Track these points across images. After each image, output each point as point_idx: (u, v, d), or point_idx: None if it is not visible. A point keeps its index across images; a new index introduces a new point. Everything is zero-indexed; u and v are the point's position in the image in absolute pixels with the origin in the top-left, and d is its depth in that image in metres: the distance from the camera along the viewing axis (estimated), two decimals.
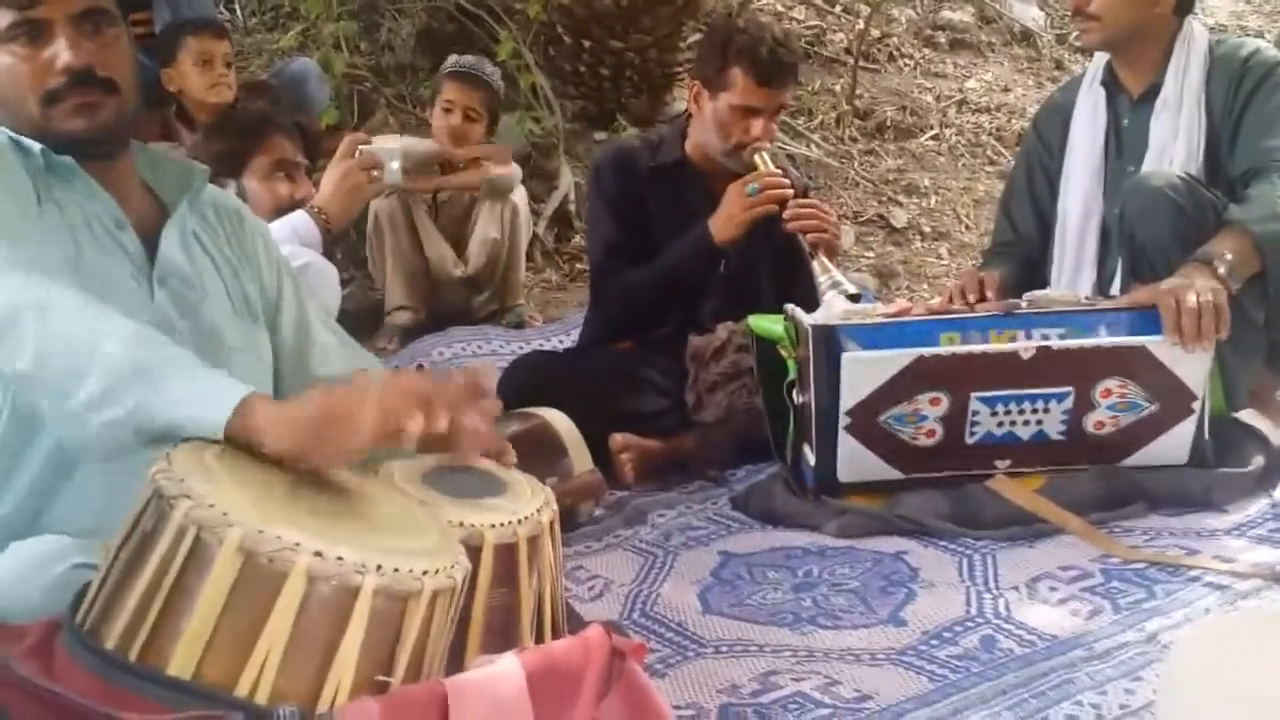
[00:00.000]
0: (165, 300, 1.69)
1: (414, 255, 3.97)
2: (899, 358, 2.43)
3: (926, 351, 2.44)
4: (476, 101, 4.02)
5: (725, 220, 2.97)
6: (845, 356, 2.43)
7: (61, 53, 1.63)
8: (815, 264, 2.84)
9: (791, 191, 2.97)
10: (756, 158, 3.00)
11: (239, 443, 1.35)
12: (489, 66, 4.13)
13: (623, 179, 3.16)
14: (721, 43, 3.05)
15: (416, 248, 3.98)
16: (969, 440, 2.49)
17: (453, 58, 4.20)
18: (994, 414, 2.47)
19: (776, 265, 3.13)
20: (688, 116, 3.19)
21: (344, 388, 1.38)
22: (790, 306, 2.63)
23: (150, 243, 1.71)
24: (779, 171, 3.03)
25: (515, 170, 4.10)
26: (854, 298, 2.78)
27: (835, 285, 2.77)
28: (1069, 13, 3.32)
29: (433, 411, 1.37)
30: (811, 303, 2.78)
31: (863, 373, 2.44)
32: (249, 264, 1.84)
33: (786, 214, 2.91)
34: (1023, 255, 3.05)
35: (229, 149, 2.78)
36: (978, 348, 2.45)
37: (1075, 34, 3.26)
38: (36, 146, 1.65)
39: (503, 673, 1.31)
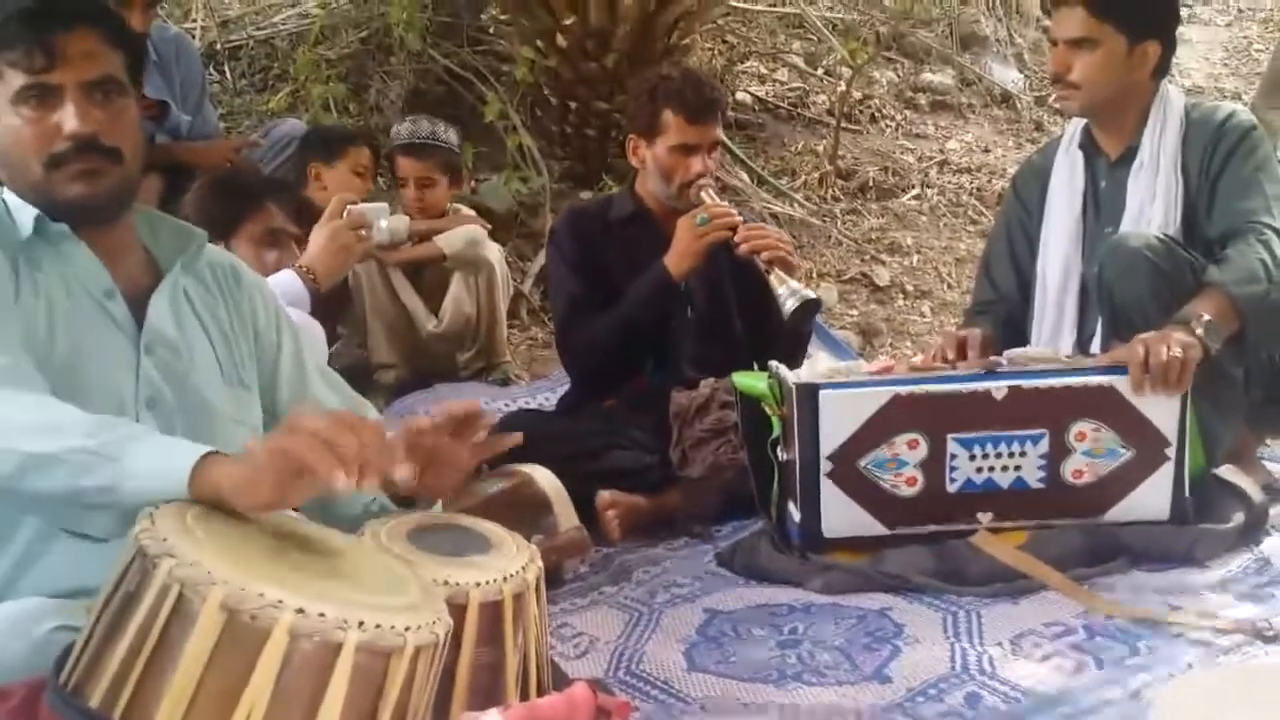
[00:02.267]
0: (151, 368, 1.70)
1: (393, 310, 4.01)
2: (876, 395, 2.48)
3: (902, 389, 2.48)
4: (426, 169, 4.07)
5: (679, 254, 3.03)
6: (823, 394, 2.47)
7: (68, 119, 1.66)
8: (772, 278, 2.89)
9: (740, 218, 3.05)
10: (704, 194, 3.08)
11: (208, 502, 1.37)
12: (428, 126, 4.14)
13: (580, 238, 3.24)
14: (649, 92, 3.17)
15: (395, 302, 4.01)
16: (949, 489, 2.51)
17: (397, 128, 4.25)
18: (972, 458, 2.50)
19: (745, 303, 3.19)
20: (635, 174, 3.28)
21: (281, 434, 1.39)
22: (774, 364, 2.66)
23: (142, 307, 1.72)
24: (725, 203, 3.11)
25: (471, 233, 4.09)
26: (814, 303, 2.87)
27: (794, 294, 2.84)
28: (1048, 79, 3.37)
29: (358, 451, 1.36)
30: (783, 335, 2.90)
31: (841, 411, 2.47)
32: (243, 326, 1.86)
33: (738, 237, 2.98)
34: (1004, 314, 3.08)
35: (223, 213, 2.79)
36: (952, 386, 2.49)
37: (1054, 98, 3.29)
38: (31, 213, 1.67)
39: None
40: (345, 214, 2.72)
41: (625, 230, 3.24)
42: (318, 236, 2.69)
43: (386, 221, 3.28)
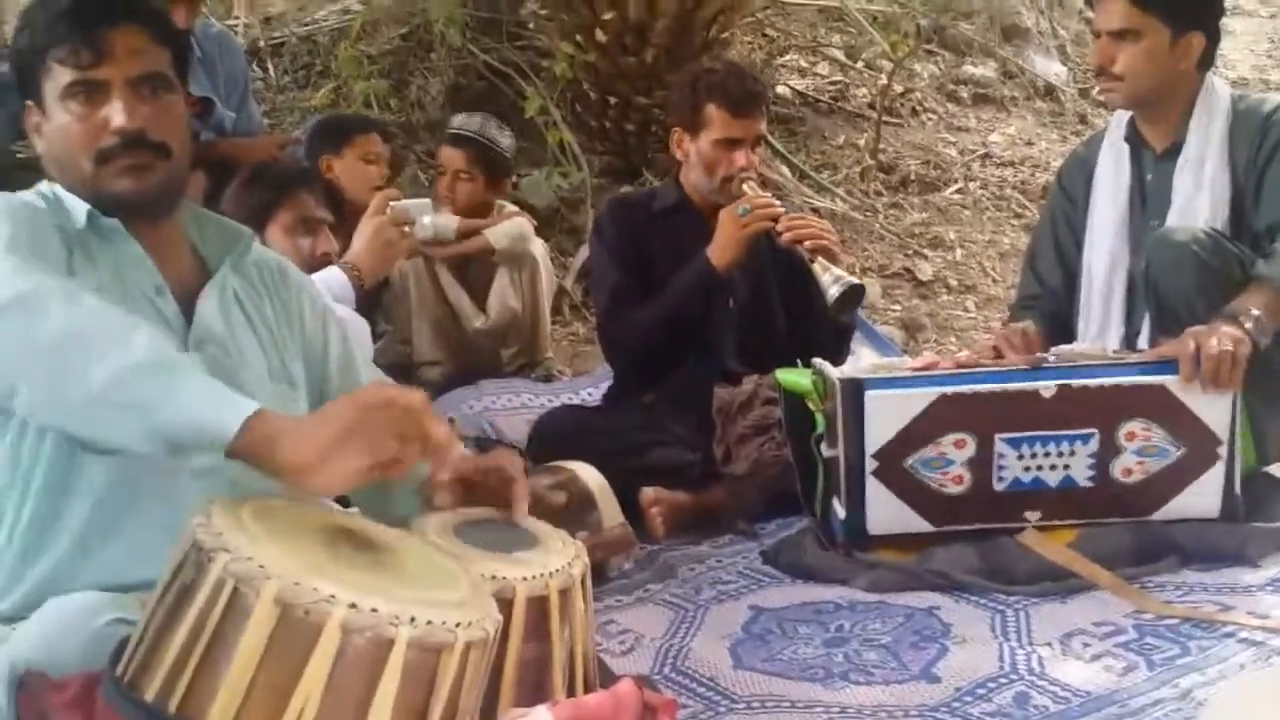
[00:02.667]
0: (199, 365, 1.71)
1: (439, 307, 4.02)
2: (922, 396, 2.46)
3: (949, 389, 2.46)
4: (464, 162, 4.06)
5: (722, 246, 3.03)
6: (869, 394, 2.45)
7: (116, 114, 1.66)
8: (816, 266, 2.89)
9: (782, 208, 3.04)
10: (746, 186, 3.08)
11: (245, 457, 1.37)
12: (479, 122, 4.14)
13: (624, 227, 3.24)
14: (692, 84, 3.16)
15: (441, 299, 4.03)
16: (997, 487, 2.48)
17: (453, 118, 4.26)
18: (1020, 457, 2.47)
19: (787, 294, 3.18)
20: (678, 166, 3.27)
21: (354, 405, 1.41)
22: (818, 360, 2.65)
23: (190, 305, 1.73)
24: (767, 194, 3.11)
25: (519, 228, 4.10)
26: (858, 289, 2.87)
27: (838, 280, 2.83)
28: (1092, 70, 3.34)
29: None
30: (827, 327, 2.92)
31: (887, 411, 2.45)
32: (291, 325, 1.86)
33: (780, 226, 2.97)
34: (1050, 309, 3.05)
35: (256, 203, 2.83)
36: (999, 386, 2.47)
37: (1098, 90, 3.25)
38: (83, 207, 1.68)
39: None
40: (388, 210, 2.74)
41: (668, 221, 3.24)
42: (362, 233, 2.70)
43: (430, 218, 3.29)
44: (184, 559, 1.29)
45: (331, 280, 2.61)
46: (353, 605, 1.23)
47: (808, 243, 2.92)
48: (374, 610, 1.23)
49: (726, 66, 3.26)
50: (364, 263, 2.66)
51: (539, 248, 4.17)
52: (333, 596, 1.23)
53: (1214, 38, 2.91)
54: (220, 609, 1.23)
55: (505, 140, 4.17)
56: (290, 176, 2.96)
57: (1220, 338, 2.42)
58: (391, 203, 2.79)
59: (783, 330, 3.20)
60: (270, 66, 5.88)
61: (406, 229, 2.78)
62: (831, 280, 2.84)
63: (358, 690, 1.23)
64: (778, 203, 3.08)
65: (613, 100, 5.25)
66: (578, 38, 5.17)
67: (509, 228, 4.07)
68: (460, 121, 4.17)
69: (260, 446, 1.36)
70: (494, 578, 1.49)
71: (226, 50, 4.43)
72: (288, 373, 1.82)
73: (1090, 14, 6.71)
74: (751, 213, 3.00)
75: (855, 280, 2.88)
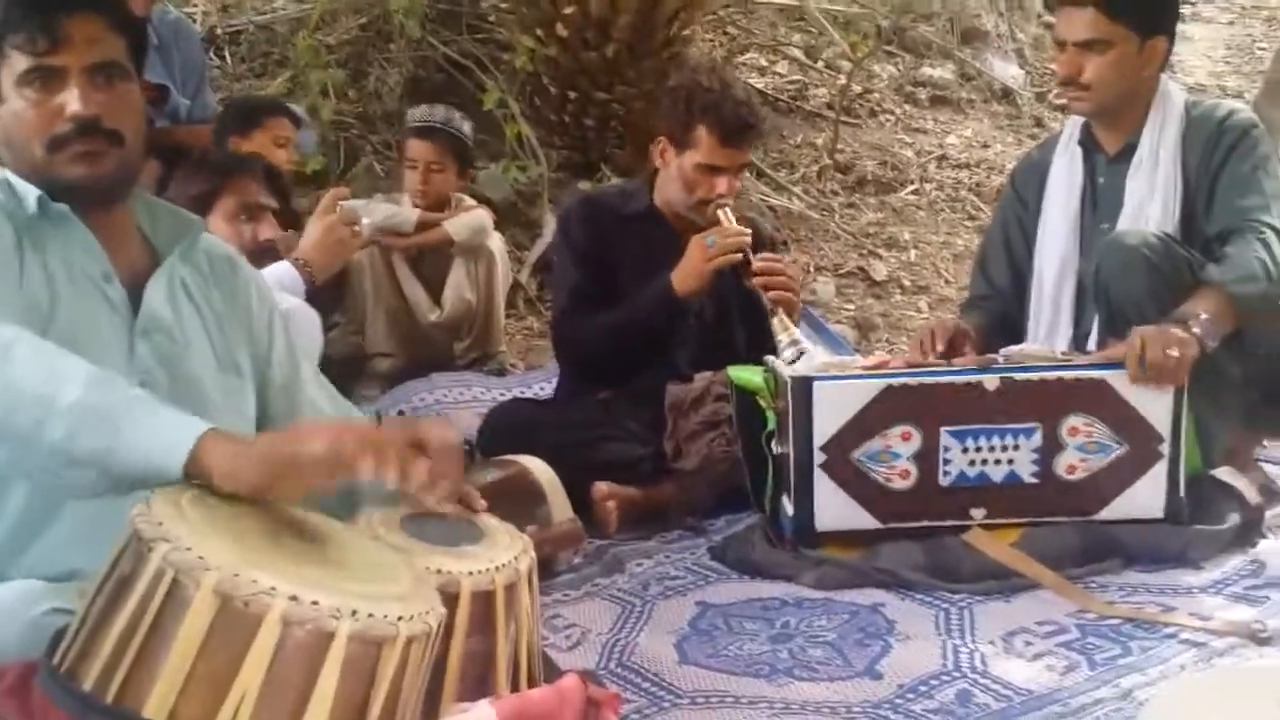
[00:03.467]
0: (146, 352, 1.70)
1: (394, 299, 4.00)
2: (869, 386, 2.50)
3: (895, 380, 2.49)
4: (437, 154, 4.04)
5: (686, 273, 3.00)
6: (817, 384, 2.47)
7: (71, 101, 1.66)
8: (775, 322, 2.86)
9: (749, 241, 2.99)
10: (720, 214, 3.03)
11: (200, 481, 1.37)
12: (444, 113, 4.12)
13: (591, 227, 3.20)
14: (687, 100, 3.07)
15: (396, 291, 4.00)
16: (943, 482, 2.51)
17: (412, 111, 4.23)
18: (964, 450, 2.51)
19: (748, 314, 3.16)
20: (654, 169, 3.22)
21: (292, 429, 1.42)
22: (770, 358, 2.65)
23: (139, 292, 1.72)
24: (740, 227, 3.04)
25: (479, 220, 4.10)
26: (808, 358, 2.80)
27: (794, 344, 2.79)
28: (1058, 83, 3.33)
29: (384, 457, 1.40)
30: None
31: (834, 402, 2.49)
32: (238, 316, 1.85)
33: (754, 266, 2.94)
34: (998, 310, 3.08)
35: (200, 189, 2.82)
36: (945, 377, 2.51)
37: (1065, 100, 3.21)
38: (34, 193, 1.67)
39: None
40: (338, 209, 2.76)
41: (637, 227, 3.18)
42: (312, 230, 2.75)
43: (369, 220, 3.30)
44: (124, 548, 1.28)
45: (282, 273, 2.64)
46: (293, 598, 1.22)
47: (772, 293, 2.90)
48: (314, 603, 1.22)
49: (724, 88, 3.10)
50: (314, 259, 2.68)
51: (497, 241, 4.15)
52: (273, 589, 1.22)
53: (1173, 40, 2.94)
54: (159, 599, 1.22)
55: (467, 128, 4.16)
56: (234, 163, 2.96)
57: (1167, 340, 2.45)
58: (341, 202, 2.80)
59: (741, 346, 3.16)
60: (227, 55, 5.81)
61: (356, 228, 2.79)
62: (788, 342, 2.79)
63: (297, 683, 1.22)
64: (748, 236, 3.01)
65: (572, 95, 5.23)
66: (538, 31, 5.15)
67: (469, 219, 4.06)
68: (424, 113, 4.14)
69: (203, 478, 1.37)
70: (439, 572, 1.49)
71: (183, 38, 4.39)
72: (235, 362, 1.81)
73: (1050, 18, 6.77)
74: (718, 246, 2.96)
75: (807, 349, 2.80)
